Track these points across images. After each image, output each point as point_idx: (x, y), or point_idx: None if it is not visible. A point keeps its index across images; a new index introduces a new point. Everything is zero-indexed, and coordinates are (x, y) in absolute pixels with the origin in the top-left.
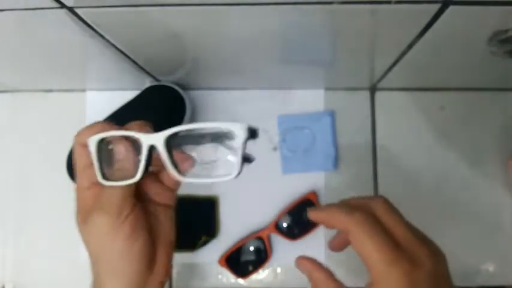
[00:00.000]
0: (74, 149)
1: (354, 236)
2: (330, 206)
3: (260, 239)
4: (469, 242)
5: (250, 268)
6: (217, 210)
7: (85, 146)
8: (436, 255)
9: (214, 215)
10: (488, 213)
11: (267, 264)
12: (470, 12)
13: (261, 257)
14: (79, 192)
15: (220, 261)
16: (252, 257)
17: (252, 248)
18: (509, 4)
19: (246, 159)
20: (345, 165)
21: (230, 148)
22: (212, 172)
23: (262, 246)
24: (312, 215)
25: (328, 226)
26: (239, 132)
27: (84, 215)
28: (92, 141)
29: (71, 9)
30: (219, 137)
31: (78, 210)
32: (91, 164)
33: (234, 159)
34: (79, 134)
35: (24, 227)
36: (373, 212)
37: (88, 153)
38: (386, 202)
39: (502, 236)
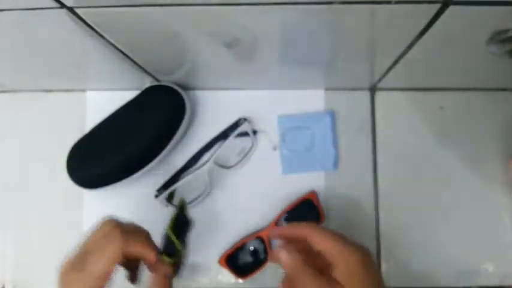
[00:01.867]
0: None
1: (315, 237)
2: (286, 226)
3: (260, 239)
4: (469, 242)
5: (250, 268)
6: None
7: None
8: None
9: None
10: (488, 213)
11: (267, 264)
12: (470, 12)
13: (261, 257)
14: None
15: (220, 261)
16: (252, 257)
17: (252, 248)
18: (509, 4)
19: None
20: (345, 165)
21: None
22: None
23: (262, 246)
24: (274, 234)
25: (288, 238)
26: None
27: None
28: None
29: (71, 9)
30: None
31: None
32: None
33: None
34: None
35: (24, 227)
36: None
37: None
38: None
39: (501, 236)
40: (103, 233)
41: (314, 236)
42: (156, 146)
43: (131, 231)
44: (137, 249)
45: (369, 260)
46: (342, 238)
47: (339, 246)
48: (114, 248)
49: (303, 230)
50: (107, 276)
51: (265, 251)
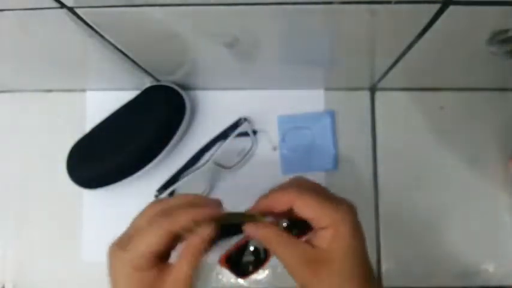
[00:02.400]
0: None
1: (299, 204)
2: (268, 198)
3: None
4: (469, 242)
5: (250, 268)
6: None
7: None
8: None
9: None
10: (488, 213)
11: (267, 264)
12: (470, 12)
13: (261, 257)
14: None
15: (220, 261)
16: (252, 257)
17: (252, 248)
18: (509, 4)
19: None
20: (345, 165)
21: None
22: None
23: (262, 246)
24: (256, 207)
25: (274, 208)
26: None
27: None
28: None
29: (71, 9)
30: None
31: None
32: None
33: None
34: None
35: (24, 227)
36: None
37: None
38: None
39: (501, 236)
40: (147, 213)
41: (299, 205)
42: (156, 146)
43: (177, 207)
44: (181, 223)
45: (357, 225)
46: (328, 202)
47: (328, 209)
48: (157, 229)
49: (287, 199)
50: (150, 256)
51: (265, 251)
